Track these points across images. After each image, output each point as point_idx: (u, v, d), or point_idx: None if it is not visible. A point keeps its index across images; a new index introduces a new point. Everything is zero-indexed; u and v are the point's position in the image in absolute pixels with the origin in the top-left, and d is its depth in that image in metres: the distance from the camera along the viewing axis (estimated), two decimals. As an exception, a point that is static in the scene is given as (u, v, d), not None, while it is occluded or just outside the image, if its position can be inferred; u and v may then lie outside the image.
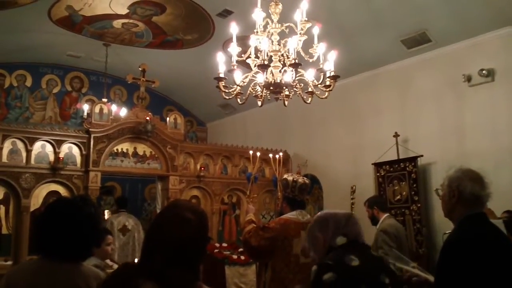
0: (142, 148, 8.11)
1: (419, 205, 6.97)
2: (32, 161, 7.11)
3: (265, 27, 4.36)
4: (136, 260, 2.19)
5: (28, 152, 7.08)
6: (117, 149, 7.85)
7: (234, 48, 4.26)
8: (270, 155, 5.86)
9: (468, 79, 6.75)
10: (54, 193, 7.19)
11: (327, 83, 4.36)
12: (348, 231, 2.32)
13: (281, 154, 5.51)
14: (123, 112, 8.83)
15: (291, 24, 4.39)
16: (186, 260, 1.82)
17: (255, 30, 4.27)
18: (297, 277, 3.92)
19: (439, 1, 6.43)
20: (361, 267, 2.07)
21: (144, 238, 1.94)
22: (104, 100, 8.66)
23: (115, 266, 4.14)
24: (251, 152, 6.08)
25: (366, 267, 2.09)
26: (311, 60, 4.40)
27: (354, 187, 6.75)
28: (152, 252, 1.83)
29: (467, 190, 2.46)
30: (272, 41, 4.37)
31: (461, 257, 2.28)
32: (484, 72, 6.55)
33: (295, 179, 4.16)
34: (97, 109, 7.72)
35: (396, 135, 7.42)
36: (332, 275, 2.04)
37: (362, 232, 2.44)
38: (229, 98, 4.49)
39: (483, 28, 6.62)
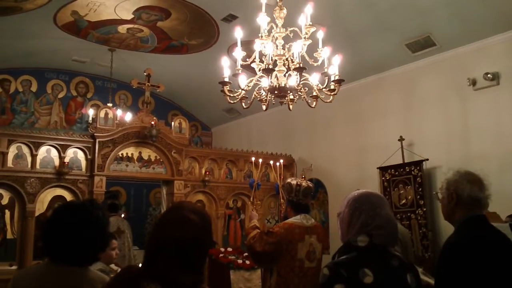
0: (147, 153, 8.13)
1: (424, 209, 6.95)
2: (37, 166, 7.12)
3: (269, 31, 4.36)
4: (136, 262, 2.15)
5: (33, 157, 7.10)
6: (122, 154, 7.87)
7: (238, 53, 4.26)
8: (271, 162, 5.85)
9: (473, 82, 6.74)
10: (59, 197, 7.22)
11: (332, 87, 4.36)
12: (375, 235, 2.09)
13: (281, 161, 5.50)
14: (128, 116, 8.86)
15: (296, 29, 4.39)
16: (189, 262, 1.81)
17: (259, 35, 4.28)
18: (302, 281, 3.91)
19: (443, 5, 6.43)
20: (374, 284, 1.97)
21: (148, 239, 1.92)
22: (109, 105, 8.70)
23: (120, 271, 4.13)
24: (253, 158, 6.09)
25: (379, 284, 1.99)
26: (315, 64, 4.40)
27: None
28: (155, 254, 1.81)
29: (465, 193, 2.43)
30: (277, 46, 4.38)
31: (459, 260, 2.25)
32: (489, 75, 6.54)
33: (298, 183, 4.14)
34: (102, 113, 7.75)
35: (401, 139, 7.41)
36: None
37: (395, 241, 2.20)
38: (234, 103, 4.49)
39: (487, 32, 6.61)
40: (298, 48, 4.19)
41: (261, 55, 4.33)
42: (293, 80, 4.25)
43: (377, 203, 2.18)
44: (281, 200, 4.84)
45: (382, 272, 2.03)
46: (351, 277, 1.99)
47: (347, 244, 2.14)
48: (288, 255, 3.89)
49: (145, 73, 8.28)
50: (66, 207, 2.34)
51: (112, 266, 4.23)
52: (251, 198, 5.00)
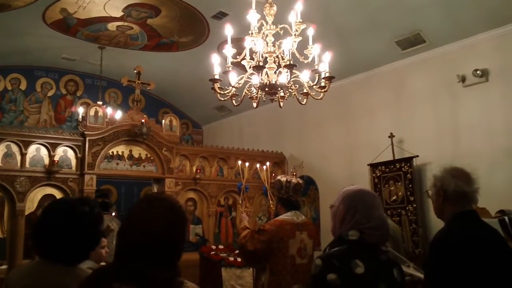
0: (138, 151, 8.10)
1: (415, 205, 6.98)
2: (27, 165, 7.08)
3: (260, 28, 4.35)
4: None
5: (23, 155, 7.06)
6: (112, 152, 7.83)
7: (229, 50, 4.26)
8: (258, 165, 5.87)
9: (463, 79, 6.77)
10: (49, 196, 7.16)
11: (322, 84, 4.37)
12: (369, 234, 2.13)
13: (268, 164, 5.51)
14: (118, 114, 8.82)
15: (286, 26, 4.39)
16: (162, 257, 1.72)
17: (250, 32, 4.27)
18: (294, 278, 3.92)
19: (433, 2, 6.46)
20: (365, 275, 2.02)
21: (117, 236, 1.84)
22: (99, 103, 8.65)
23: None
24: (239, 162, 6.09)
25: (369, 275, 2.04)
26: (306, 61, 4.40)
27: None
28: (126, 251, 1.74)
29: (451, 188, 2.44)
30: (267, 43, 4.37)
31: (447, 257, 2.27)
32: (478, 72, 6.58)
33: (288, 180, 4.16)
34: (92, 112, 7.71)
35: (391, 136, 7.43)
36: (336, 278, 2.01)
37: (386, 240, 2.25)
38: (225, 100, 4.48)
39: (477, 29, 6.64)
40: (289, 45, 4.19)
41: (252, 52, 4.32)
42: (283, 77, 4.25)
43: (372, 203, 2.23)
44: (270, 201, 4.87)
45: (372, 264, 2.09)
46: (343, 267, 2.03)
47: (338, 238, 2.19)
48: (279, 253, 3.90)
49: (135, 71, 8.25)
50: (54, 205, 2.31)
51: (102, 264, 4.21)
52: (240, 201, 5.01)
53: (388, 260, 2.19)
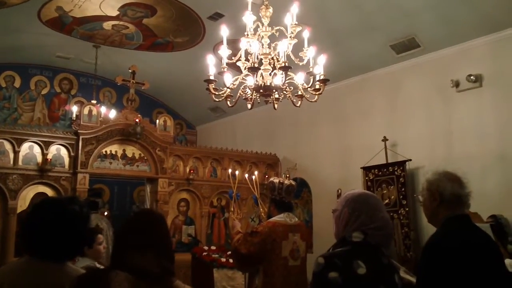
0: (131, 150, 8.08)
1: (407, 209, 7.00)
2: (20, 162, 7.06)
3: (255, 30, 4.36)
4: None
5: (16, 153, 7.04)
6: (105, 151, 7.82)
7: (224, 51, 4.26)
8: (246, 175, 5.90)
9: (456, 84, 6.80)
10: (42, 194, 7.14)
11: (317, 86, 4.38)
12: (372, 235, 2.16)
13: (256, 173, 5.53)
14: (112, 114, 8.80)
15: (282, 28, 4.40)
16: (159, 250, 1.90)
17: (245, 33, 4.28)
18: (286, 280, 3.92)
19: (428, 7, 6.48)
20: (366, 276, 2.03)
21: (115, 243, 2.02)
22: (94, 101, 8.63)
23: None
24: (230, 170, 6.10)
25: (371, 276, 2.05)
26: (301, 64, 4.41)
27: (339, 190, 6.78)
28: (123, 253, 1.88)
29: (447, 191, 2.44)
30: (263, 44, 4.38)
31: (440, 261, 2.26)
32: (472, 77, 6.61)
33: (281, 181, 4.19)
34: (86, 110, 7.70)
35: (384, 139, 7.45)
36: (337, 276, 2.02)
37: (390, 242, 2.30)
38: (219, 101, 4.49)
39: (471, 34, 6.67)
40: (284, 47, 4.20)
41: (247, 53, 4.33)
42: (278, 79, 4.26)
43: (376, 205, 2.26)
44: (261, 209, 4.90)
45: (374, 266, 2.10)
46: (345, 267, 2.04)
47: (342, 239, 2.21)
48: (273, 254, 3.91)
49: (130, 70, 8.24)
50: (43, 203, 2.32)
51: (96, 264, 4.20)
52: (232, 208, 5.04)
53: (390, 264, 2.20)
